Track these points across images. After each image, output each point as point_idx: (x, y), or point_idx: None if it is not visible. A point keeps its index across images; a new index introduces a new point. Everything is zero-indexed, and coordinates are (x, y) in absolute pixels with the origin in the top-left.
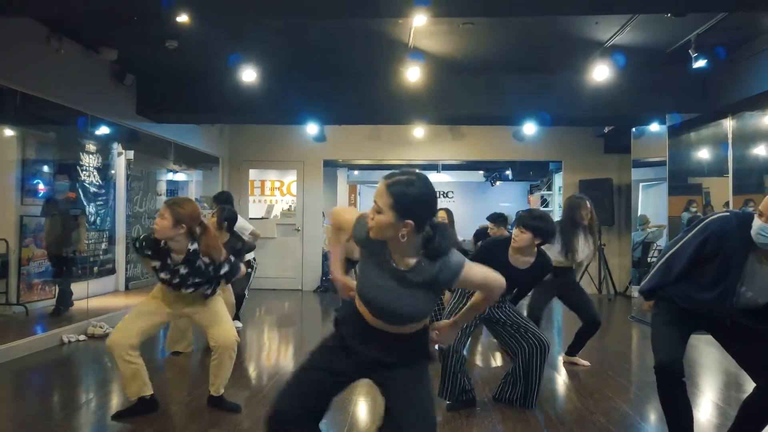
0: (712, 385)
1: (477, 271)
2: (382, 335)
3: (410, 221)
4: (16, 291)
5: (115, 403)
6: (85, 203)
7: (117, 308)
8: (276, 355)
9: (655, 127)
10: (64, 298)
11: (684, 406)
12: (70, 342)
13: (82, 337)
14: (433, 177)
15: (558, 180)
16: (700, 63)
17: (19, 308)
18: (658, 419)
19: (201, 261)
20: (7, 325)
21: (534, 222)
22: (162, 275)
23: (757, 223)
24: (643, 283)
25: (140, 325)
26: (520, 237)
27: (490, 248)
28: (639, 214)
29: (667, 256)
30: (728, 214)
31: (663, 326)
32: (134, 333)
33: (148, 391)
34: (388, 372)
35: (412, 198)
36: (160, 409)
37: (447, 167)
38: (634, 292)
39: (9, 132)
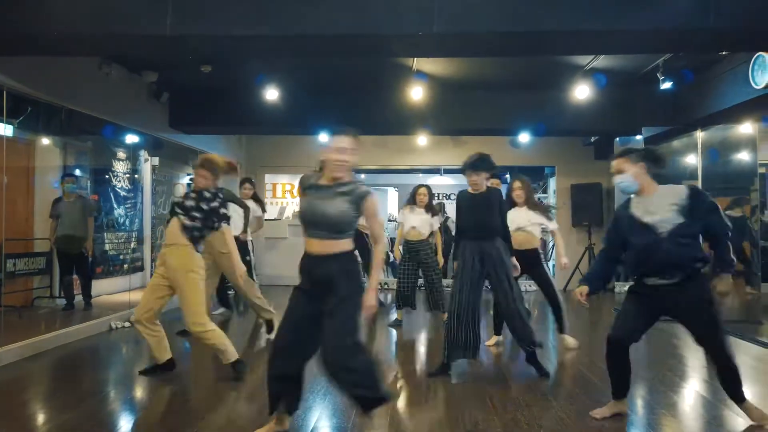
0: (696, 376)
1: (374, 204)
2: (321, 259)
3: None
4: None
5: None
6: (115, 205)
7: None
8: None
9: (638, 136)
10: (76, 292)
11: (624, 366)
12: (117, 328)
13: (126, 324)
14: (436, 180)
15: (553, 184)
16: (667, 85)
17: (61, 300)
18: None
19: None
20: (54, 315)
21: (476, 164)
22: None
23: (615, 181)
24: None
25: (148, 299)
26: (479, 179)
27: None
28: None
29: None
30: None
31: (624, 307)
32: (146, 307)
33: (168, 355)
34: (329, 297)
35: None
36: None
37: (449, 171)
38: (618, 287)
39: (55, 142)
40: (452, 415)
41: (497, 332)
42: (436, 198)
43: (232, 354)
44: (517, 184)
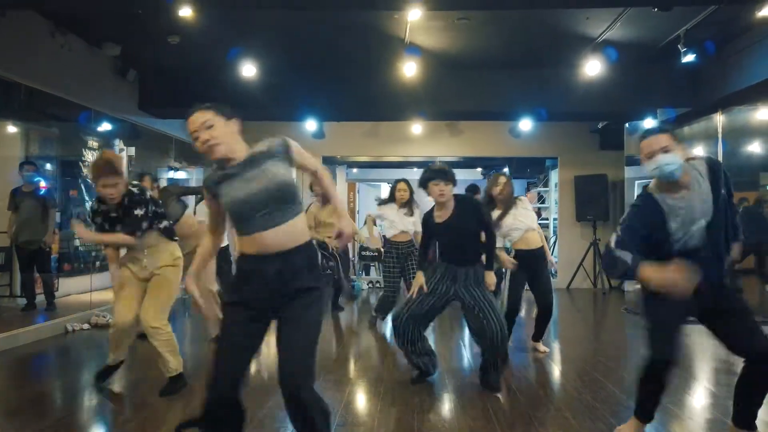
0: (705, 371)
1: (296, 143)
2: (276, 260)
3: (235, 118)
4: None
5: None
6: (87, 198)
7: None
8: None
9: (648, 123)
10: (38, 291)
11: (661, 389)
12: (74, 330)
13: (86, 326)
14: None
15: (554, 176)
16: (689, 57)
17: (22, 300)
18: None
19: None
20: (12, 315)
21: (447, 172)
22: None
23: (646, 167)
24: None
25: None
26: (446, 189)
27: (423, 220)
28: None
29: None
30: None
31: (658, 319)
32: (125, 312)
33: (121, 358)
34: (286, 303)
35: (223, 103)
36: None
37: (445, 164)
38: (627, 286)
39: (13, 128)
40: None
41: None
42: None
43: (178, 365)
44: (502, 179)
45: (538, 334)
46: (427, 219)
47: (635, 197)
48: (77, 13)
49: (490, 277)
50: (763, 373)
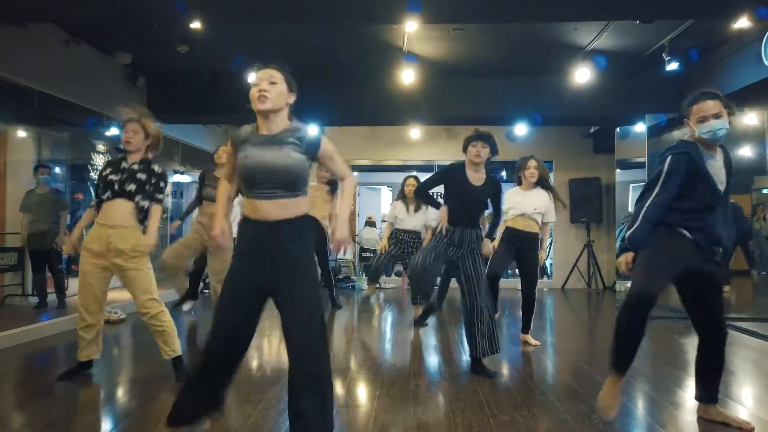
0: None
1: (331, 147)
2: (270, 227)
3: (294, 94)
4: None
5: (123, 379)
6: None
7: (129, 298)
8: (278, 337)
9: (639, 127)
10: (50, 290)
11: (638, 334)
12: None
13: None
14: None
15: (550, 179)
16: (673, 66)
17: (34, 298)
18: (627, 388)
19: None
20: (25, 313)
21: (490, 138)
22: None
23: (697, 129)
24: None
25: (87, 288)
26: (483, 152)
27: (448, 168)
28: (627, 212)
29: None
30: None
31: (651, 260)
32: (90, 298)
33: (95, 356)
34: (283, 279)
35: (293, 78)
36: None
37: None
38: (620, 286)
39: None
40: (443, 417)
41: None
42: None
43: (178, 347)
44: (533, 162)
45: (525, 326)
46: (458, 173)
47: (677, 144)
48: (93, 24)
49: (487, 245)
50: (714, 348)
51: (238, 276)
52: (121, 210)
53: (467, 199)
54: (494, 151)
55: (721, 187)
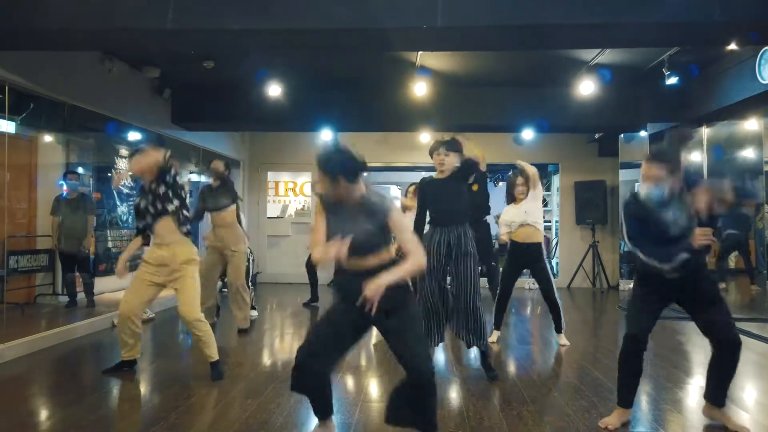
0: (701, 369)
1: (400, 218)
2: (360, 274)
3: (341, 177)
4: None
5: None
6: (118, 203)
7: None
8: (290, 340)
9: (643, 132)
10: (78, 290)
11: (637, 369)
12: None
13: None
14: None
15: (556, 181)
16: (673, 80)
17: (63, 298)
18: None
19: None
20: (56, 312)
21: (453, 143)
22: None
23: (641, 187)
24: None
25: (135, 295)
26: (447, 160)
27: (418, 188)
28: None
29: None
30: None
31: (638, 300)
32: (135, 304)
33: (136, 355)
34: (383, 317)
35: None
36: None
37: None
38: (623, 285)
39: (57, 138)
40: (457, 411)
41: (497, 327)
42: None
43: (216, 352)
44: (520, 180)
45: (556, 327)
46: (424, 185)
47: (628, 199)
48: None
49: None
50: (729, 356)
51: (336, 312)
52: (165, 227)
53: (439, 197)
54: (458, 152)
55: (675, 225)
